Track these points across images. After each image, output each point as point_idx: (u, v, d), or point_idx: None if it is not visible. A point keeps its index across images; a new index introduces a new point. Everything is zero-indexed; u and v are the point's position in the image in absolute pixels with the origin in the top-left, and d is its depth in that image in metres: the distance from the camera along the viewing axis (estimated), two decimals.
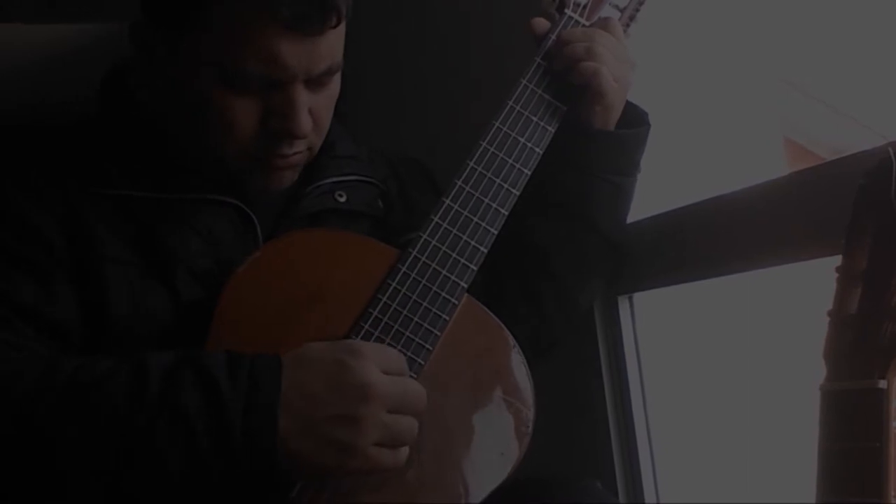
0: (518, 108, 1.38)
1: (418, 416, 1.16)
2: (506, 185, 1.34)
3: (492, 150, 1.35)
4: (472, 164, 1.34)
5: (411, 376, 1.22)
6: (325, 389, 1.11)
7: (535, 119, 1.38)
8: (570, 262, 1.46)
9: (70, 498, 1.11)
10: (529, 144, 1.37)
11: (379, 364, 1.14)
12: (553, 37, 1.43)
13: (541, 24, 1.47)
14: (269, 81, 1.24)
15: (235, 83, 1.24)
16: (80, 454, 1.08)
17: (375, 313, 1.25)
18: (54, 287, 1.23)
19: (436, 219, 1.31)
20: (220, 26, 1.22)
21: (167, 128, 1.34)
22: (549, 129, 1.39)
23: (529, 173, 1.36)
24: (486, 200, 1.33)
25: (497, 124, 1.37)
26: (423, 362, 1.24)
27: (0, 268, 1.22)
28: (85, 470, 1.09)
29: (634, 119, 1.47)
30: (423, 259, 1.28)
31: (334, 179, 1.41)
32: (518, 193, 1.35)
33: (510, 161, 1.35)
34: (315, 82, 1.27)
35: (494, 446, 1.25)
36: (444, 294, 1.27)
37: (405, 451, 1.15)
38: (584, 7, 1.46)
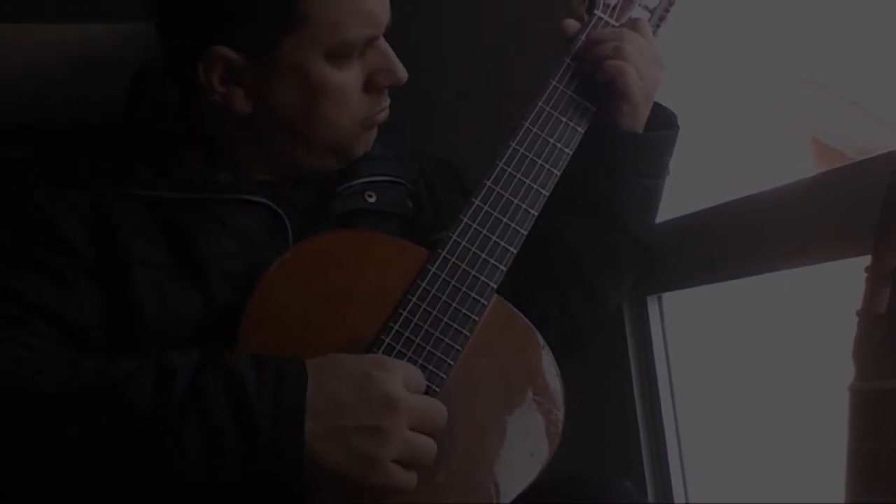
0: (548, 108, 1.38)
1: (436, 435, 1.16)
2: (535, 186, 1.34)
3: (521, 150, 1.35)
4: (501, 164, 1.34)
5: (441, 377, 1.23)
6: (352, 398, 1.11)
7: (564, 120, 1.38)
8: (599, 263, 1.46)
9: (75, 499, 1.11)
10: (559, 145, 1.37)
11: (403, 380, 1.15)
12: (582, 37, 1.43)
13: (570, 25, 1.46)
14: (367, 40, 1.31)
15: (342, 55, 1.30)
16: (89, 455, 1.09)
17: (405, 314, 1.25)
18: (75, 289, 1.23)
19: (465, 219, 1.30)
20: (318, 8, 1.26)
21: (238, 135, 1.36)
22: (579, 129, 1.39)
23: (559, 174, 1.36)
24: (516, 201, 1.33)
25: (527, 125, 1.37)
26: (452, 363, 1.24)
27: (20, 270, 1.23)
28: (95, 470, 1.09)
29: (664, 121, 1.47)
30: (453, 260, 1.28)
31: (364, 180, 1.41)
32: (547, 194, 1.34)
33: (540, 161, 1.35)
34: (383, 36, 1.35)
35: (524, 447, 1.25)
36: (473, 294, 1.27)
37: (415, 476, 1.15)
38: (614, 8, 1.46)
